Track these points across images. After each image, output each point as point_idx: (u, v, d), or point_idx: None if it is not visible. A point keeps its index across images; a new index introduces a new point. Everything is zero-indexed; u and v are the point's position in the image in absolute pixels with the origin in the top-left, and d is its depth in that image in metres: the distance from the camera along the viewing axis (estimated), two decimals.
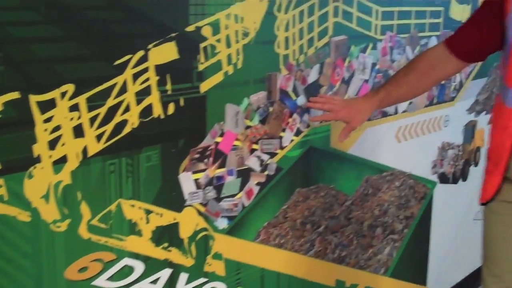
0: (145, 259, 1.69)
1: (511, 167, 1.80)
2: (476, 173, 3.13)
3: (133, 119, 1.58)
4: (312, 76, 2.11)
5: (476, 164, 3.22)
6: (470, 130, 3.13)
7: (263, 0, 1.87)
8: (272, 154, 2.01)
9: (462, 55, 1.91)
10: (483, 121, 3.23)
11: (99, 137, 1.52)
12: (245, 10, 1.82)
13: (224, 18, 1.77)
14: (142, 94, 1.59)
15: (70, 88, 1.44)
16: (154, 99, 1.62)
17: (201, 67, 1.73)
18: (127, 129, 1.58)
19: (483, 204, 1.90)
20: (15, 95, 1.35)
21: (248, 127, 1.91)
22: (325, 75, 2.15)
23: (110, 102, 1.53)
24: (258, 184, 1.97)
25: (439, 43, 1.99)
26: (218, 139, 1.82)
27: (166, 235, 1.73)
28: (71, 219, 1.51)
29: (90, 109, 1.49)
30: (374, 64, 2.38)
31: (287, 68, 2.00)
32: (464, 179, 3.14)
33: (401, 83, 1.97)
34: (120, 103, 1.55)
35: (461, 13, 2.85)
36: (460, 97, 2.99)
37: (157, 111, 1.64)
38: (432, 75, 1.96)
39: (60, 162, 1.46)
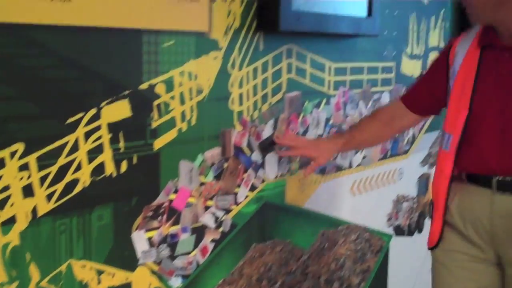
0: None
1: (449, 210, 1.87)
2: None
3: (84, 178, 1.56)
4: (267, 131, 2.12)
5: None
6: (424, 182, 3.18)
7: (217, 57, 1.89)
8: (227, 210, 2.00)
9: (417, 110, 2.09)
10: None
11: (49, 197, 1.50)
12: (199, 68, 1.84)
13: (178, 76, 1.78)
14: (94, 152, 1.58)
15: (20, 147, 1.42)
16: (106, 157, 1.61)
17: (154, 124, 1.73)
18: (78, 188, 1.55)
19: (430, 249, 1.98)
20: None
21: (202, 183, 1.90)
22: (279, 130, 2.17)
23: (61, 161, 1.51)
24: (213, 241, 1.96)
25: (396, 98, 2.17)
26: (172, 196, 1.81)
27: None
28: (19, 281, 1.47)
29: (41, 168, 1.47)
30: (328, 119, 2.41)
31: (241, 124, 2.01)
32: (420, 231, 3.17)
33: (364, 129, 2.16)
34: (71, 161, 1.53)
35: (412, 68, 2.92)
36: (413, 150, 3.05)
37: (110, 169, 1.62)
38: (393, 125, 2.16)
39: (8, 223, 1.42)
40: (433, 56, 3.08)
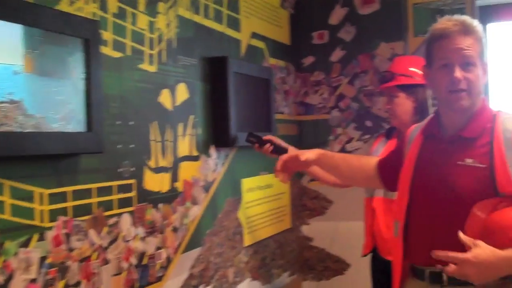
0: None
1: None
2: None
3: None
4: None
5: None
6: None
7: None
8: None
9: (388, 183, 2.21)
10: None
11: None
12: None
13: None
14: None
15: None
16: None
17: None
18: None
19: None
20: None
21: None
22: None
23: None
24: None
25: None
26: None
27: None
28: None
29: None
30: (43, 258, 1.95)
31: None
32: None
33: (337, 162, 2.29)
34: None
35: (159, 183, 2.57)
36: (170, 275, 2.66)
37: None
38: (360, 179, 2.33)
39: None
40: (184, 166, 2.76)
